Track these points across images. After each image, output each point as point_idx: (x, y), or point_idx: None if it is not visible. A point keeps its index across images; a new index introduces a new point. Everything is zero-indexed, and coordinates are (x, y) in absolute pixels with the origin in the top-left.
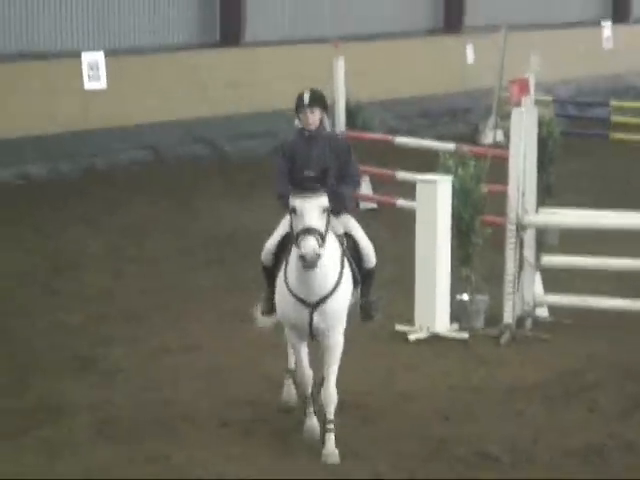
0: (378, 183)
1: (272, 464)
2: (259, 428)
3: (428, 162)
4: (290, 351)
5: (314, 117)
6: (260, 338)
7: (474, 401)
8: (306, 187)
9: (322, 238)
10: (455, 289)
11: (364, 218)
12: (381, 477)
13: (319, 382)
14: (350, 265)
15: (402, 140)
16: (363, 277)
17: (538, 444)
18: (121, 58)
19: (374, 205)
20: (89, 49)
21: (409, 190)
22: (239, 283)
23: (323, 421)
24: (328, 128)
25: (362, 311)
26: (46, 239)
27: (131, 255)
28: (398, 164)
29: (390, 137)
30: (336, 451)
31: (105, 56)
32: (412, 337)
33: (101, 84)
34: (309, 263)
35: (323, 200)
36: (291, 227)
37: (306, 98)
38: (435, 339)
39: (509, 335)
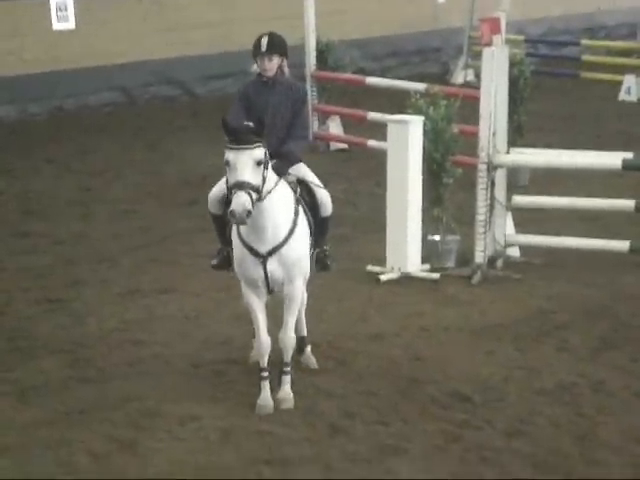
0: (349, 124)
1: (243, 404)
2: (230, 369)
3: (399, 102)
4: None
5: (272, 64)
6: (233, 280)
7: (445, 341)
8: (241, 139)
9: (256, 191)
10: (426, 230)
11: (335, 159)
12: (352, 416)
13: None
14: (305, 213)
15: (373, 80)
16: (318, 226)
17: (509, 383)
18: None
19: (345, 146)
20: None
21: (380, 131)
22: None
23: (280, 365)
24: (287, 74)
25: (318, 261)
26: (15, 181)
27: (102, 197)
28: (369, 104)
29: (361, 77)
30: (291, 395)
31: None
32: (383, 278)
33: (70, 24)
34: (238, 219)
35: (258, 152)
36: (226, 180)
37: (264, 44)
38: (406, 279)
39: (480, 275)
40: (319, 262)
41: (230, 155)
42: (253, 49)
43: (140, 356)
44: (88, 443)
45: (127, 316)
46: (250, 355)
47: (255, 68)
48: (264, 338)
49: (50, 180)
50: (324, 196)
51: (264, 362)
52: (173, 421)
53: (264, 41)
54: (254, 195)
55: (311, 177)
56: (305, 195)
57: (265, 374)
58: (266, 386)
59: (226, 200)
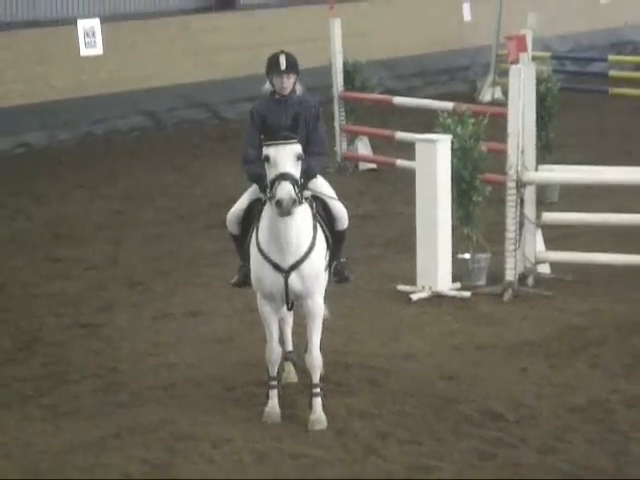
0: (377, 143)
1: (277, 427)
2: (264, 391)
3: (427, 121)
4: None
5: (289, 82)
6: None
7: (478, 360)
8: (279, 135)
9: (297, 185)
10: (456, 248)
11: (364, 179)
12: (386, 436)
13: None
14: (322, 228)
15: (400, 100)
16: (335, 239)
17: (542, 401)
18: (117, 24)
19: (374, 166)
20: (85, 16)
21: (408, 150)
22: None
23: (310, 386)
24: (299, 91)
25: (336, 273)
26: (46, 207)
27: (132, 221)
28: (397, 124)
29: (388, 97)
30: (323, 416)
31: (101, 22)
32: (415, 297)
33: (97, 50)
34: (285, 208)
35: (297, 147)
36: (265, 177)
37: (283, 62)
38: (437, 298)
39: (511, 293)
40: (337, 274)
41: (271, 150)
42: (269, 68)
43: (173, 379)
44: (123, 467)
45: (159, 339)
46: (283, 376)
47: (267, 87)
48: (275, 346)
49: (80, 205)
50: (339, 210)
51: (274, 371)
52: (207, 444)
53: (282, 59)
54: (296, 187)
55: (327, 190)
56: (320, 210)
57: (274, 383)
58: (274, 395)
59: (241, 219)
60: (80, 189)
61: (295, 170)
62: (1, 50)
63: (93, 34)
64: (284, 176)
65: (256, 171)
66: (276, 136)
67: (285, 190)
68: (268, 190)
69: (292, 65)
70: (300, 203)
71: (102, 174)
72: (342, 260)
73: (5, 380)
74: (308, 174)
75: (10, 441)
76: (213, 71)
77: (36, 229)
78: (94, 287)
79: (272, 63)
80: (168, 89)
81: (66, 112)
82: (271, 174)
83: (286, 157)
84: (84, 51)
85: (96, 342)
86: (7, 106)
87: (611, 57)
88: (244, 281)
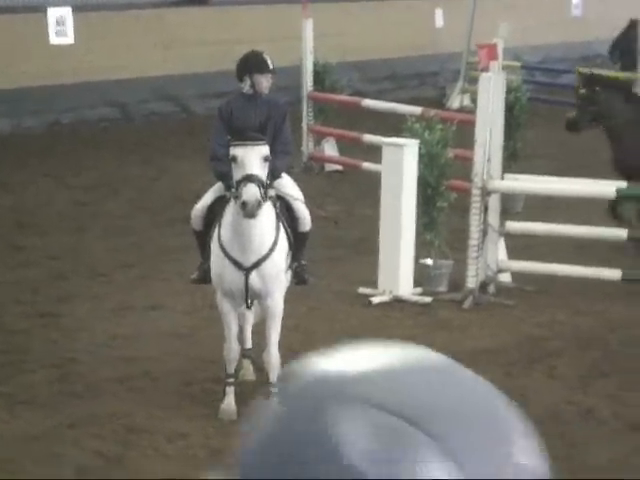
0: (344, 145)
1: (233, 423)
2: (221, 388)
3: (395, 125)
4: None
5: (269, 82)
6: None
7: None
8: (246, 136)
9: (263, 186)
10: (419, 253)
11: (330, 180)
12: None
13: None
14: (285, 228)
15: (369, 102)
16: (297, 240)
17: None
18: (89, 14)
19: (340, 167)
20: (56, 4)
21: (375, 153)
22: None
23: (267, 384)
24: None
25: (296, 275)
26: (10, 194)
27: (95, 212)
28: (365, 126)
29: (357, 99)
30: None
31: (72, 11)
32: (375, 300)
33: (68, 39)
34: (250, 211)
35: (264, 149)
36: (231, 177)
37: (269, 62)
38: (398, 303)
39: (472, 300)
40: (297, 276)
41: (238, 151)
42: (253, 66)
43: (130, 372)
44: (76, 458)
45: (118, 332)
46: (240, 374)
47: (244, 86)
48: (234, 345)
49: (45, 194)
50: (302, 211)
51: (231, 368)
52: (161, 438)
53: (268, 59)
54: (261, 189)
55: (293, 190)
56: (284, 210)
57: (231, 380)
58: (230, 392)
59: (205, 215)
60: (45, 178)
61: (262, 172)
62: None
63: (64, 23)
64: (250, 178)
65: (222, 169)
66: (244, 136)
67: (251, 192)
68: (233, 190)
69: (272, 65)
70: (264, 201)
71: (68, 164)
72: (303, 263)
73: None
74: (273, 174)
75: None
76: (184, 65)
77: None
78: (55, 277)
79: (257, 62)
80: (138, 81)
81: (34, 100)
82: (237, 175)
83: (253, 158)
84: (54, 39)
85: (54, 332)
86: None
87: (581, 69)
88: (204, 278)
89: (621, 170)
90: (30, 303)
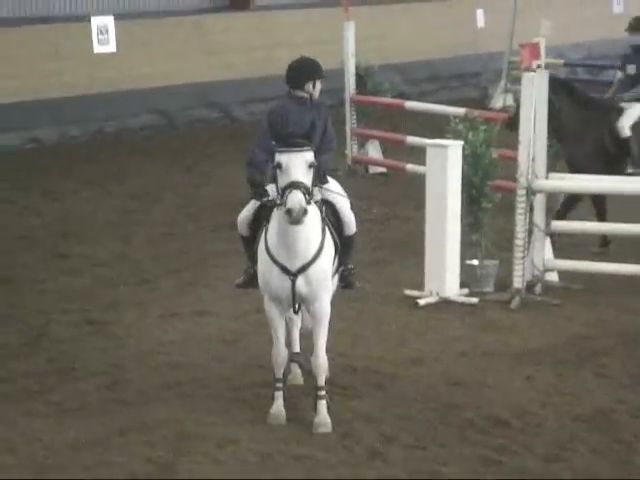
0: (388, 148)
1: (282, 428)
2: (269, 392)
3: (438, 126)
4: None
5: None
6: None
7: (484, 366)
8: (292, 143)
9: (308, 193)
10: (465, 254)
11: (374, 183)
12: (390, 440)
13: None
14: (330, 232)
15: (412, 104)
16: (343, 244)
17: (547, 409)
18: (130, 22)
19: (384, 169)
20: (99, 13)
21: (419, 155)
22: None
23: (315, 389)
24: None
25: (342, 279)
26: (56, 203)
27: (141, 219)
28: (408, 128)
29: (400, 101)
30: (328, 419)
31: (114, 20)
32: (422, 302)
33: (110, 48)
34: (295, 218)
35: (309, 155)
36: (276, 184)
37: (322, 69)
38: (445, 304)
39: (519, 300)
40: (344, 280)
41: (283, 157)
42: (316, 73)
43: (178, 379)
44: (127, 465)
45: (165, 338)
46: (288, 378)
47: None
48: (282, 349)
49: (90, 202)
50: (348, 215)
51: (279, 373)
52: (211, 444)
53: (320, 66)
54: (307, 196)
55: (337, 195)
56: (329, 214)
57: (279, 385)
58: (279, 397)
59: (251, 221)
60: (90, 186)
61: (307, 179)
62: (15, 46)
63: (107, 31)
64: (295, 185)
65: (256, 178)
66: (289, 142)
67: (296, 199)
68: (264, 199)
69: None
70: (309, 204)
71: (112, 172)
72: (350, 266)
73: (11, 375)
74: (319, 170)
75: (15, 436)
76: (226, 71)
77: (45, 225)
78: (102, 284)
79: (316, 68)
80: (181, 88)
81: (78, 109)
82: (282, 182)
83: (298, 165)
84: (97, 48)
85: (103, 339)
86: (20, 101)
87: None
88: (249, 283)
89: (571, 170)
90: (77, 311)
